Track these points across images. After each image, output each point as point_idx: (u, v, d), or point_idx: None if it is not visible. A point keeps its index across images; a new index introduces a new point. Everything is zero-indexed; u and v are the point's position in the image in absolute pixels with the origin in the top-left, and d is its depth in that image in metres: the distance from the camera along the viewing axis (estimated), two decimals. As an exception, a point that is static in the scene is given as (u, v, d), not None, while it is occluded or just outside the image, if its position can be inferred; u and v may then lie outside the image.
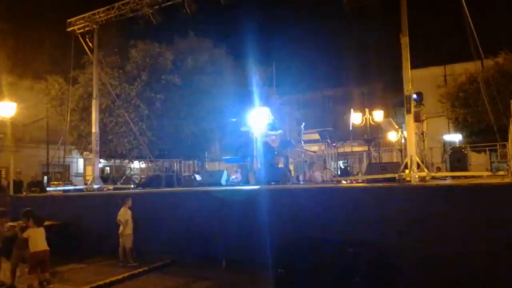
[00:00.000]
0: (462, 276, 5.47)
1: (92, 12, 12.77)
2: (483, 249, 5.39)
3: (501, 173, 7.50)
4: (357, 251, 5.82)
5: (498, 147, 17.75)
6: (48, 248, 6.65)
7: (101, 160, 18.20)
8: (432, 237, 5.71)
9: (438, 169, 15.34)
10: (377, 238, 6.00)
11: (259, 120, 10.92)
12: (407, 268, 5.80)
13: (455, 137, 24.35)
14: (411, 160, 7.47)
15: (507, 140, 9.89)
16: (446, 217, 5.66)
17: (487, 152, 20.07)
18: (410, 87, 7.80)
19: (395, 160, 22.16)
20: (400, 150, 23.22)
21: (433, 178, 8.57)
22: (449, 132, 26.24)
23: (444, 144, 26.67)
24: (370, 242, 5.96)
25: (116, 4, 12.39)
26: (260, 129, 10.85)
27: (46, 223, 9.38)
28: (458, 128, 21.48)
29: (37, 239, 6.63)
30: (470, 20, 8.33)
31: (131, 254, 8.22)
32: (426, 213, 5.82)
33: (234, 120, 11.15)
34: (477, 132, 19.69)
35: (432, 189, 6.19)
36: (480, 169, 18.37)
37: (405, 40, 7.85)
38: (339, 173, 14.79)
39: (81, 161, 23.83)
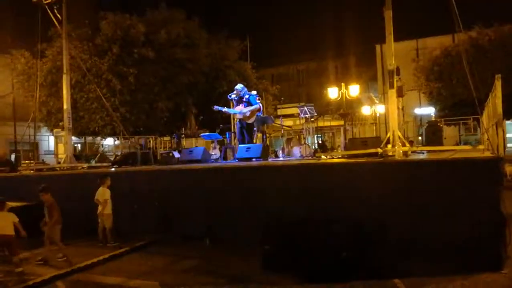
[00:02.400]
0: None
1: (59, -19, 12.08)
2: (468, 222, 5.49)
3: (480, 147, 7.63)
4: (343, 227, 5.85)
5: (471, 120, 18.27)
6: (9, 233, 6.33)
7: (73, 138, 17.67)
8: (419, 211, 5.76)
9: (411, 142, 15.64)
10: (363, 214, 6.02)
11: (238, 97, 10.72)
12: (394, 242, 5.86)
13: (427, 111, 24.85)
14: (393, 135, 7.49)
15: (478, 114, 10.07)
16: (433, 191, 5.71)
17: (457, 126, 20.65)
18: (393, 62, 7.74)
19: (368, 134, 22.50)
20: (373, 124, 23.61)
21: (413, 152, 8.68)
22: (420, 106, 26.75)
23: (415, 117, 27.23)
24: (357, 218, 5.97)
25: (86, -27, 11.77)
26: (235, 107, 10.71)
27: (18, 204, 9.07)
28: (432, 102, 21.87)
29: None
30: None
31: (111, 234, 8.02)
32: (412, 187, 5.87)
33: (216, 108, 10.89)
34: (450, 105, 20.12)
35: (420, 163, 6.23)
36: (450, 142, 18.90)
37: (388, 14, 7.72)
38: (316, 148, 14.86)
39: (51, 139, 23.08)
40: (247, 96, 10.78)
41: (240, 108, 10.68)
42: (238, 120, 10.87)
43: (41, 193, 7.13)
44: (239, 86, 10.95)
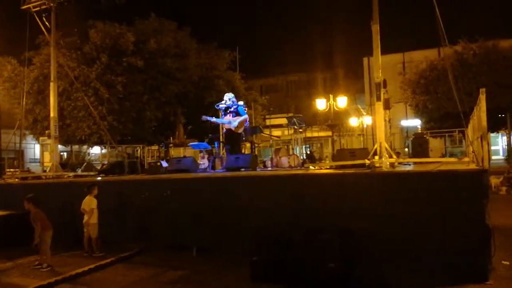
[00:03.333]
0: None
1: (49, -11, 12.02)
2: (454, 234, 5.56)
3: (466, 159, 7.75)
4: (330, 238, 5.86)
5: (456, 133, 18.55)
6: None
7: (59, 146, 17.47)
8: (405, 222, 5.81)
9: (398, 154, 15.80)
10: (351, 225, 6.05)
11: (225, 107, 10.76)
12: (380, 252, 5.90)
13: (413, 123, 25.20)
14: (380, 146, 7.56)
15: (463, 126, 10.25)
16: (419, 203, 5.77)
17: (442, 138, 20.97)
18: (380, 74, 7.85)
19: (355, 145, 22.69)
20: (361, 135, 23.83)
21: (400, 163, 8.77)
22: (406, 118, 27.11)
23: (402, 129, 27.57)
24: (344, 228, 6.00)
25: (76, -19, 11.75)
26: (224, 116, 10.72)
27: (2, 213, 8.93)
28: (418, 114, 22.19)
29: None
30: (437, 8, 8.42)
31: (97, 244, 7.91)
32: (400, 199, 5.92)
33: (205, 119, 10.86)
34: (436, 118, 20.43)
35: (407, 175, 6.29)
36: (436, 154, 19.17)
37: (375, 28, 7.84)
38: (305, 158, 14.91)
39: (37, 147, 22.77)
40: (235, 106, 10.81)
41: (228, 118, 10.69)
42: (226, 129, 10.87)
43: (25, 202, 7.20)
44: (228, 96, 10.97)
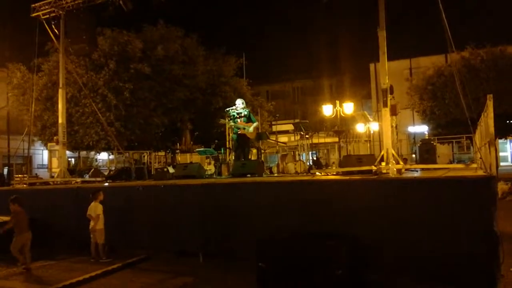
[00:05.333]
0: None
1: (58, -3, 12.17)
2: (461, 241, 5.51)
3: (473, 165, 7.69)
4: (338, 244, 5.83)
5: (464, 139, 18.43)
6: None
7: (67, 152, 17.60)
8: (413, 229, 5.78)
9: (405, 160, 15.71)
10: (358, 231, 6.02)
11: (236, 112, 10.82)
12: (387, 259, 5.86)
13: (420, 129, 25.08)
14: (387, 153, 7.54)
15: (471, 132, 10.18)
16: (427, 209, 5.74)
17: (450, 144, 20.84)
18: (387, 80, 7.84)
19: (362, 151, 22.59)
20: (367, 141, 23.72)
21: (407, 170, 8.72)
22: (414, 124, 26.99)
23: (409, 135, 27.44)
24: (351, 235, 5.97)
25: (84, -10, 11.85)
26: (238, 122, 10.77)
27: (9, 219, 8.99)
28: (425, 120, 22.07)
29: None
30: (443, 14, 8.41)
31: (103, 250, 7.94)
32: (407, 205, 5.89)
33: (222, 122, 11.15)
34: (444, 124, 20.31)
35: (414, 181, 6.26)
36: (444, 160, 19.04)
37: (382, 34, 7.85)
38: (311, 164, 14.88)
39: (45, 153, 22.96)
40: (245, 113, 10.89)
41: (242, 123, 10.77)
42: (236, 134, 10.88)
43: (10, 203, 7.44)
44: (240, 101, 11.06)
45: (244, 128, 10.69)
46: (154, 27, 20.17)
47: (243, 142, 10.79)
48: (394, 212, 5.98)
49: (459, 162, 18.35)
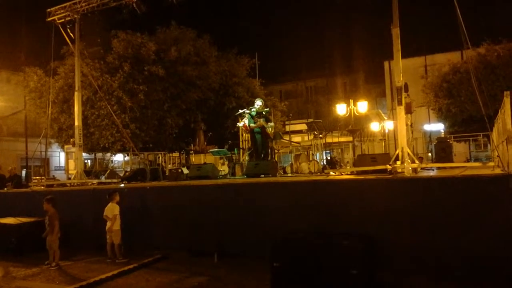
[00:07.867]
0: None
1: (73, 1, 12.35)
2: (477, 238, 5.43)
3: (491, 164, 7.57)
4: (353, 244, 5.80)
5: (481, 137, 18.12)
6: None
7: (83, 154, 17.84)
8: (429, 229, 5.71)
9: (421, 159, 15.50)
10: (373, 230, 5.98)
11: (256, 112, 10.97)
12: (403, 259, 5.81)
13: (436, 127, 24.72)
14: (402, 151, 7.47)
15: (487, 130, 10.01)
16: (443, 209, 5.67)
17: (466, 142, 20.49)
18: (401, 78, 7.77)
19: (377, 150, 22.39)
20: (382, 140, 23.51)
21: (423, 169, 8.62)
22: (429, 122, 26.62)
23: (424, 134, 27.08)
24: (365, 234, 5.94)
25: (98, -7, 12.01)
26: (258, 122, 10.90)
27: (29, 220, 9.17)
28: (441, 118, 21.74)
29: None
30: (458, 11, 8.30)
31: (120, 250, 8.04)
32: (422, 204, 5.83)
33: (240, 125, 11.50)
34: (460, 122, 19.99)
35: (429, 181, 6.19)
36: (460, 158, 18.75)
37: (396, 31, 7.79)
38: (325, 164, 14.80)
39: (62, 155, 23.31)
40: (263, 113, 11.01)
41: (261, 122, 10.88)
42: (258, 133, 10.96)
43: (44, 202, 7.76)
44: (259, 101, 11.20)
45: (264, 127, 10.85)
46: (167, 29, 20.30)
47: (266, 139, 11.01)
48: (409, 212, 5.92)
49: (476, 160, 18.07)
